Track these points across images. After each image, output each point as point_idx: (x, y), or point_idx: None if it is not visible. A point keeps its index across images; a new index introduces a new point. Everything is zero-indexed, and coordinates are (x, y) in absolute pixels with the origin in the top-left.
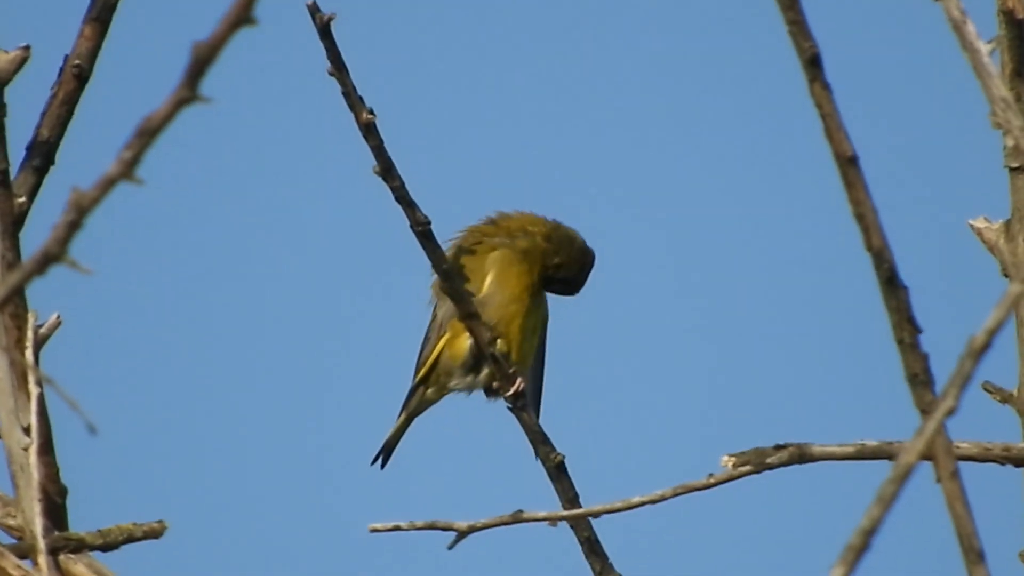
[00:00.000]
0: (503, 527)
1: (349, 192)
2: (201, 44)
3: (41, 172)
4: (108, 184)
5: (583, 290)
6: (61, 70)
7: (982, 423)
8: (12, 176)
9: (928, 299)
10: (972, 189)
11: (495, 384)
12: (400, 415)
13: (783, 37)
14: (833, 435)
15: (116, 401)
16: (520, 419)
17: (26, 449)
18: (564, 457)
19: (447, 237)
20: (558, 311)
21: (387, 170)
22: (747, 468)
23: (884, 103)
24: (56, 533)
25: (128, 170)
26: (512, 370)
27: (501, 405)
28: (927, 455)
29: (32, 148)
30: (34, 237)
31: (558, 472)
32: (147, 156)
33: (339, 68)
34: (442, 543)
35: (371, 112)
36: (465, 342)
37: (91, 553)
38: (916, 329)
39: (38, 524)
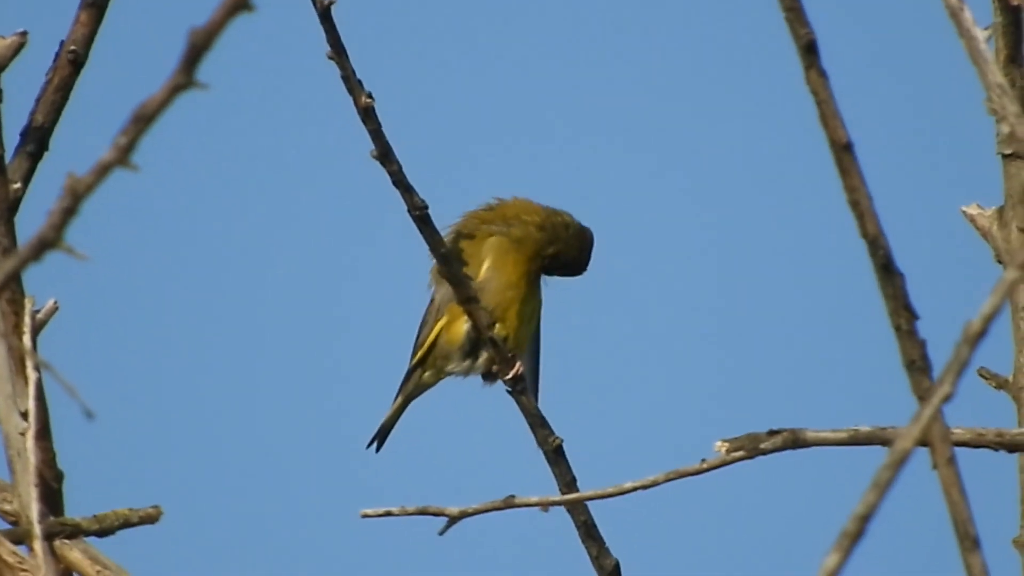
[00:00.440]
0: (495, 512)
1: (347, 176)
2: (198, 30)
3: (36, 158)
4: (104, 170)
5: (589, 268)
6: (57, 56)
7: (975, 409)
8: (7, 161)
9: (922, 285)
10: (965, 176)
11: (494, 367)
12: (396, 398)
13: (779, 24)
14: (829, 422)
15: (113, 387)
16: (519, 402)
17: (23, 434)
18: (562, 441)
19: (445, 222)
20: (555, 298)
21: (385, 154)
22: (742, 453)
23: (879, 90)
24: (52, 518)
25: (124, 156)
26: (511, 354)
27: (496, 390)
28: (923, 441)
29: (27, 134)
30: (29, 223)
31: (556, 456)
32: (143, 142)
33: (339, 52)
34: (434, 528)
35: (370, 96)
36: (462, 326)
37: (87, 539)
38: (913, 315)
39: (34, 509)
